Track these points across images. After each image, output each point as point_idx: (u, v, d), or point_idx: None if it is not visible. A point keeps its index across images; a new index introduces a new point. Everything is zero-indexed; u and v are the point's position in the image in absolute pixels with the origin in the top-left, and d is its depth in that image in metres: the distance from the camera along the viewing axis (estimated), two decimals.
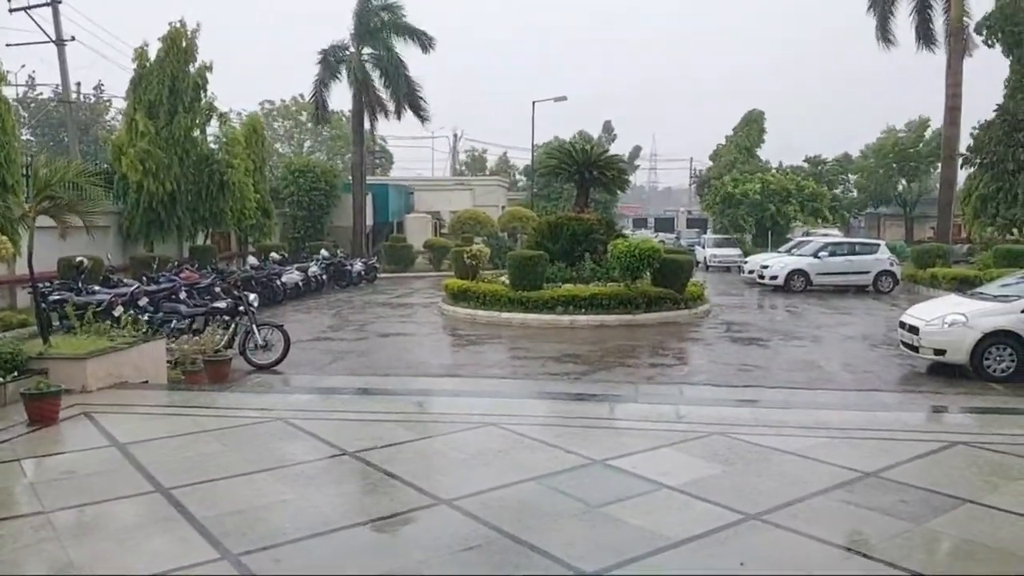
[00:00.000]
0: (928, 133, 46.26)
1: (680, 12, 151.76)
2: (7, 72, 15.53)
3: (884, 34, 30.58)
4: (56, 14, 27.98)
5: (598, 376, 11.26)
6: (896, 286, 23.95)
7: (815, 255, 24.51)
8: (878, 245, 25.86)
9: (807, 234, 36.43)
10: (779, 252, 28.13)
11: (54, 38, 28.06)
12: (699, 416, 7.75)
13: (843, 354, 13.14)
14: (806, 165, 48.56)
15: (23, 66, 36.20)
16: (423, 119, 32.15)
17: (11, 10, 27.37)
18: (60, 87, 30.45)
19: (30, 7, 27.54)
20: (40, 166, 8.92)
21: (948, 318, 11.05)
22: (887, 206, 51.32)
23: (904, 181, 49.36)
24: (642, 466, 5.85)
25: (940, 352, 11.07)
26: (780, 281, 24.00)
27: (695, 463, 6.00)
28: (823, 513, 4.97)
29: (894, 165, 47.87)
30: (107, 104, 45.47)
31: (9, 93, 17.14)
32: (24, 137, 40.81)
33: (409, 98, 31.16)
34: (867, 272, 24.00)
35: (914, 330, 11.43)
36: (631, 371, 11.76)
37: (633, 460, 6.00)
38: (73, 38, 28.58)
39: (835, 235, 36.39)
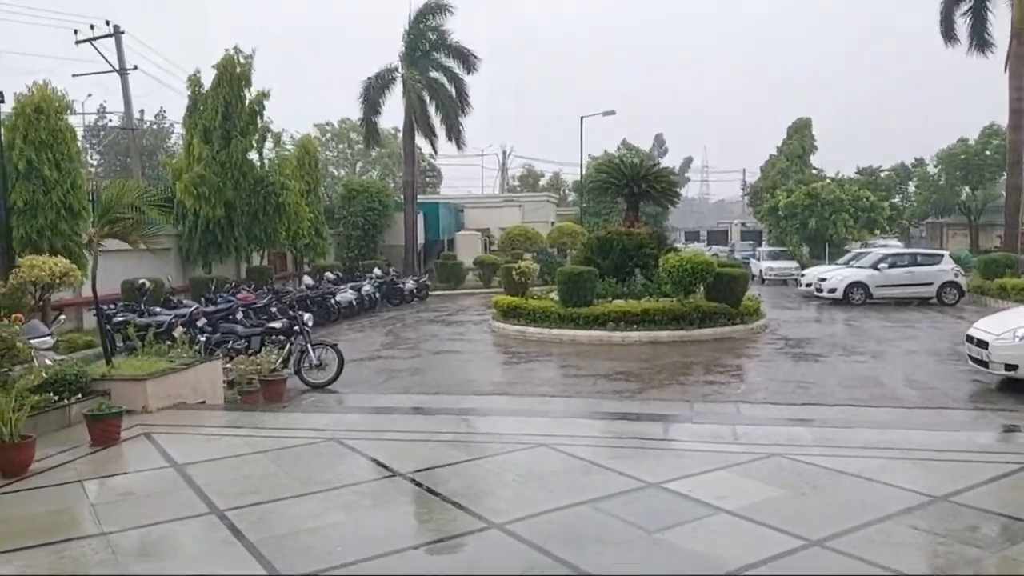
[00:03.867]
0: (998, 140, 44.65)
1: (733, 23, 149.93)
2: (73, 101, 16.15)
3: (948, 30, 29.69)
4: (119, 45, 29.14)
5: (651, 394, 11.08)
6: (962, 298, 23.10)
7: (875, 267, 23.82)
8: (941, 255, 25.00)
9: (865, 245, 35.47)
10: (837, 264, 27.42)
11: (117, 68, 29.17)
12: (757, 436, 7.53)
13: (907, 370, 12.68)
14: (859, 177, 47.29)
15: (90, 95, 38.00)
16: (460, 146, 32.48)
17: (77, 42, 28.60)
18: (124, 115, 31.62)
19: (95, 39, 28.73)
20: (102, 189, 9.22)
21: (1020, 331, 10.56)
22: (949, 215, 49.65)
23: (968, 189, 47.68)
24: (698, 489, 5.69)
25: (1012, 367, 10.57)
26: (839, 294, 23.38)
27: (754, 486, 5.82)
28: (890, 540, 4.74)
29: (958, 173, 46.29)
30: (170, 129, 47.04)
31: (78, 121, 17.84)
32: (92, 163, 42.53)
33: (453, 120, 31.40)
34: (930, 284, 23.22)
35: (983, 344, 10.96)
36: (685, 389, 11.54)
37: (689, 483, 5.85)
38: (136, 67, 29.76)
39: (895, 246, 35.35)
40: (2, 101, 14.40)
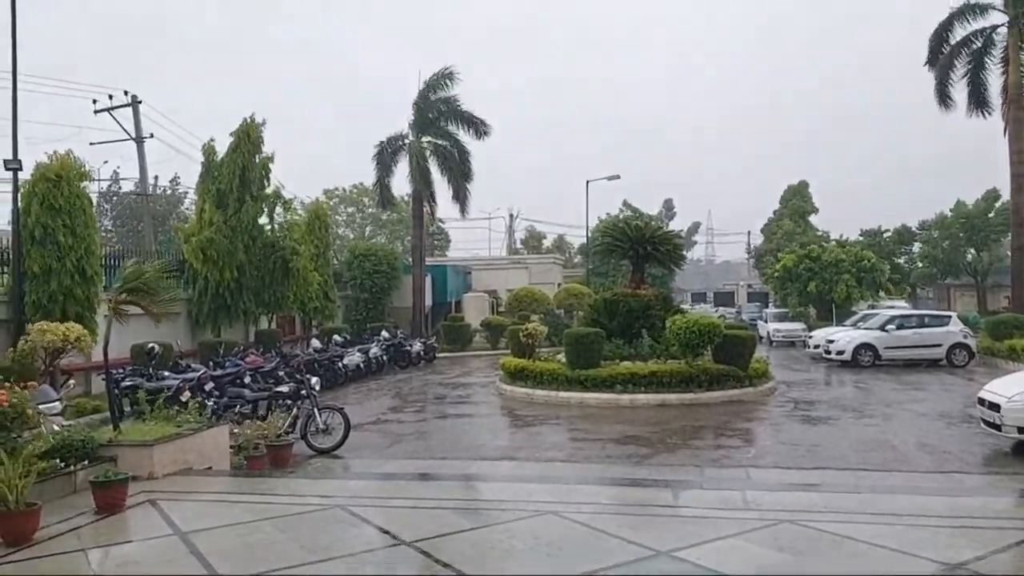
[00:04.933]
0: (999, 203, 44.98)
1: (735, 90, 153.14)
2: (90, 169, 16.51)
3: (943, 96, 30.16)
4: (136, 114, 29.93)
5: (661, 459, 10.97)
6: (971, 359, 22.98)
7: (882, 328, 23.76)
8: (949, 317, 24.95)
9: (872, 307, 35.45)
10: (844, 326, 27.38)
11: (134, 136, 29.90)
12: (767, 502, 7.43)
13: (918, 433, 12.54)
14: (862, 239, 47.57)
15: (106, 161, 38.64)
16: (464, 212, 32.96)
17: (96, 111, 29.42)
18: (139, 181, 32.26)
19: (113, 108, 29.54)
20: (126, 267, 9.48)
21: None
22: (955, 276, 49.69)
23: (973, 250, 47.83)
24: (709, 558, 5.60)
25: None
26: (847, 356, 23.28)
27: (764, 553, 5.73)
28: None
29: (961, 235, 46.51)
30: (183, 195, 47.86)
31: (92, 187, 18.21)
32: (105, 227, 43.20)
33: (463, 183, 31.91)
34: (939, 345, 23.12)
35: (995, 407, 10.86)
36: (695, 453, 11.42)
37: (700, 551, 5.76)
38: (151, 135, 30.52)
39: (902, 307, 35.29)
40: (20, 168, 14.82)
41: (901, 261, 48.74)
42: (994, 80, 28.82)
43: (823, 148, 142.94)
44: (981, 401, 11.40)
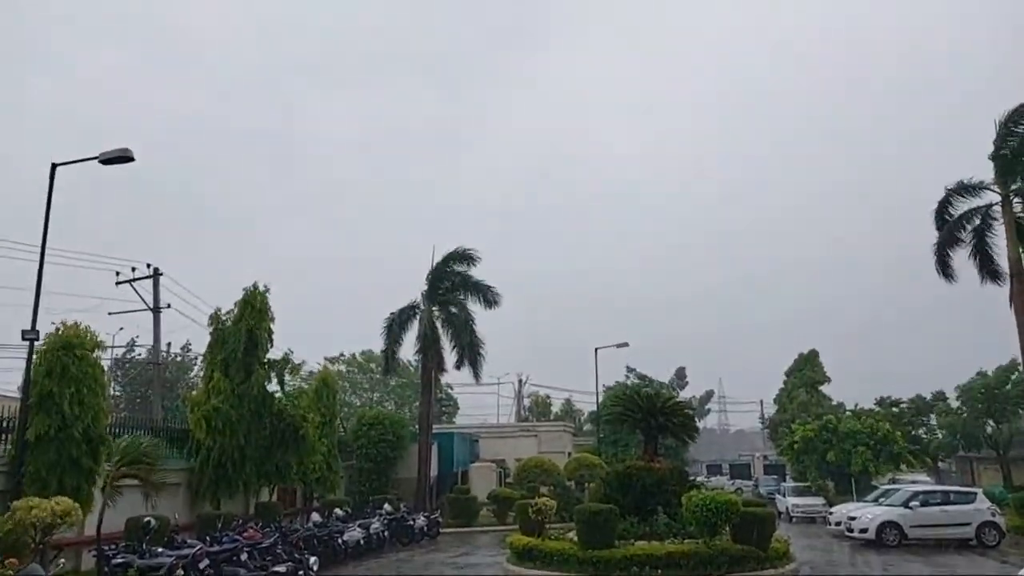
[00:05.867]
0: (1016, 375, 44.56)
1: (740, 256, 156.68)
2: (103, 340, 16.65)
3: (944, 269, 30.30)
4: (156, 285, 30.78)
5: None
6: (1002, 539, 21.87)
7: (906, 505, 22.83)
8: (975, 493, 23.99)
9: (893, 480, 34.33)
10: (865, 501, 26.37)
11: (152, 307, 30.58)
12: None
13: None
14: (878, 408, 46.90)
15: (121, 329, 39.15)
16: (477, 376, 33.00)
17: (118, 283, 30.27)
18: (152, 349, 32.59)
19: (135, 279, 30.42)
20: (119, 443, 9.39)
21: None
22: (978, 449, 48.35)
23: (992, 422, 46.86)
24: None
25: None
26: (871, 535, 22.24)
27: None
28: None
29: (979, 406, 45.76)
30: (192, 362, 48.17)
31: (107, 354, 18.35)
32: (115, 394, 43.18)
33: (472, 353, 32.16)
34: (968, 524, 22.10)
35: None
36: None
37: None
38: (168, 305, 31.15)
39: (924, 481, 34.15)
40: (37, 339, 15.02)
41: (921, 432, 47.67)
42: (1002, 250, 28.85)
43: (837, 314, 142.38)
44: None
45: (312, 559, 12.34)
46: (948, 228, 29.65)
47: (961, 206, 29.71)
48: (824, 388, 51.93)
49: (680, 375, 69.35)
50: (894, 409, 46.92)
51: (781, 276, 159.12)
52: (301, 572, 11.69)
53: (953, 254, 29.93)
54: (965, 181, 29.44)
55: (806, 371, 50.90)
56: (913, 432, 45.13)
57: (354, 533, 20.48)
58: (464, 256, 32.34)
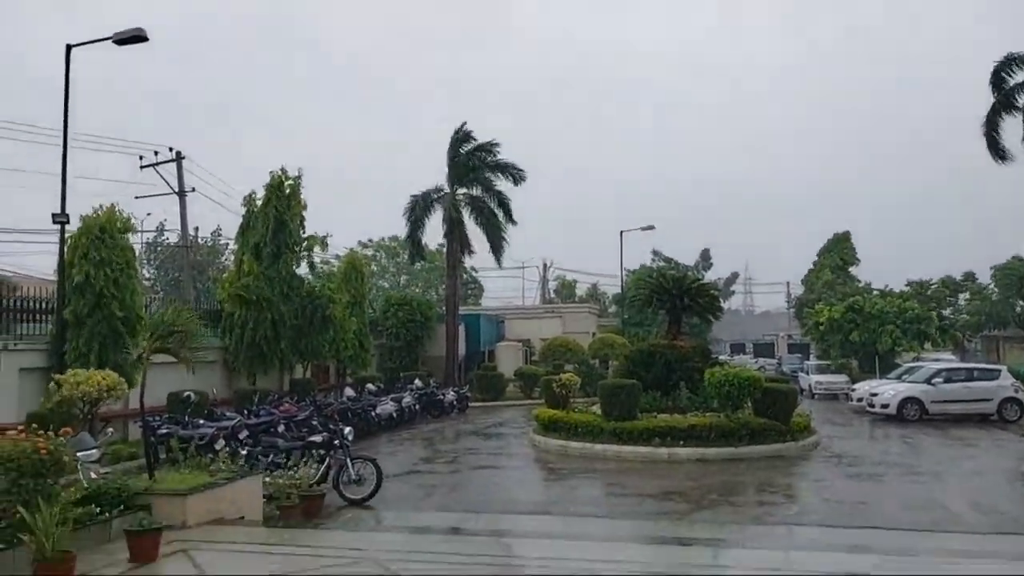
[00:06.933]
0: None
1: (782, 136, 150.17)
2: (134, 222, 16.89)
3: (995, 147, 28.93)
4: (180, 169, 30.85)
5: (701, 516, 10.64)
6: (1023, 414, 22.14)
7: (928, 382, 23.06)
8: (999, 370, 24.13)
9: (917, 359, 34.52)
10: (888, 378, 26.65)
11: (176, 190, 30.75)
12: (813, 564, 7.13)
13: (972, 492, 12.02)
14: (908, 288, 46.63)
15: (149, 214, 39.65)
16: (499, 262, 33.07)
17: (142, 167, 30.36)
18: (181, 233, 33.04)
19: (158, 163, 30.47)
20: (155, 315, 9.62)
21: None
22: (1005, 328, 48.29)
23: (1022, 302, 46.52)
24: None
25: None
26: (892, 410, 22.59)
27: None
28: None
29: (1011, 286, 45.34)
30: (223, 247, 48.81)
31: (136, 238, 18.62)
32: (147, 276, 44.15)
33: (495, 236, 32.07)
34: (989, 399, 22.36)
35: None
36: (737, 511, 11.06)
37: None
38: (193, 189, 31.32)
39: (948, 359, 34.30)
40: (67, 222, 15.24)
41: (947, 312, 47.54)
42: None
43: (869, 196, 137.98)
44: None
45: (347, 429, 12.81)
46: (1000, 98, 27.93)
47: (1019, 75, 28.06)
48: (854, 270, 51.61)
49: (705, 256, 68.92)
50: (926, 291, 46.61)
51: (820, 159, 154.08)
52: (336, 441, 12.16)
53: (1004, 126, 28.33)
54: (1015, 53, 27.83)
55: (835, 253, 50.43)
56: (941, 312, 44.98)
57: (387, 406, 21.21)
58: (484, 145, 31.69)
